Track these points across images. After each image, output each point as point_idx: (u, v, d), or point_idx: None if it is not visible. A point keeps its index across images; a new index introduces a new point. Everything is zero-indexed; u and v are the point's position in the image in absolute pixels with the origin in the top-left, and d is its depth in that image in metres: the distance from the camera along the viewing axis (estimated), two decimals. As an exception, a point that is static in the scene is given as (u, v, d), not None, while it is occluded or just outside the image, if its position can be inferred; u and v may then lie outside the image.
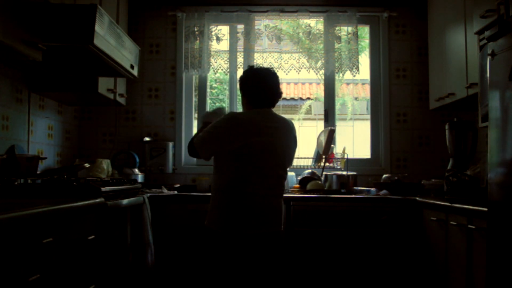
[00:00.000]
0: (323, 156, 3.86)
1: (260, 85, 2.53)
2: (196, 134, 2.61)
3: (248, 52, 4.13)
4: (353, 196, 3.49)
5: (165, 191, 3.60)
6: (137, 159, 3.89)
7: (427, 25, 3.94)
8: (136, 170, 3.81)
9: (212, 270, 2.47)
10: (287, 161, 2.57)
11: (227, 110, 2.91)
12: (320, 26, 4.17)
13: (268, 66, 3.95)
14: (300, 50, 4.17)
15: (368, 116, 4.30)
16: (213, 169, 2.55)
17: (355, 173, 3.86)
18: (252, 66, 2.65)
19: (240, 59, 4.14)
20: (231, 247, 2.40)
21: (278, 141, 2.49)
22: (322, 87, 4.35)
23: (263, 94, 2.53)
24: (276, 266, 2.52)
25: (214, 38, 4.15)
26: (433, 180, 3.51)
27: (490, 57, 2.10)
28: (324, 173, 3.86)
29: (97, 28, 2.55)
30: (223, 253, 2.42)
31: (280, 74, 3.37)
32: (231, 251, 2.41)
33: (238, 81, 2.64)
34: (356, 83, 5.31)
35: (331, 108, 4.22)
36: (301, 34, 4.16)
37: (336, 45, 4.10)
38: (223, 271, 2.44)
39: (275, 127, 2.50)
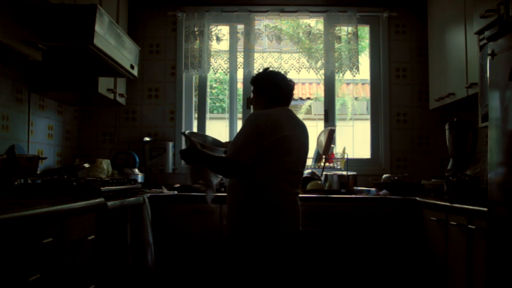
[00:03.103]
0: (323, 156, 3.85)
1: (282, 83, 2.60)
2: (213, 156, 2.54)
3: (248, 52, 4.13)
4: (353, 196, 3.49)
5: (165, 191, 3.59)
6: (137, 159, 3.89)
7: (427, 25, 3.94)
8: (136, 170, 3.80)
9: (239, 270, 2.44)
10: (305, 158, 2.62)
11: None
12: (320, 26, 4.17)
13: (268, 66, 4.02)
14: (300, 50, 4.17)
15: (368, 116, 4.30)
16: None
17: (355, 173, 3.86)
18: (267, 68, 2.74)
19: (240, 59, 4.13)
20: (261, 246, 2.38)
21: (302, 137, 2.56)
22: (322, 87, 4.35)
23: (284, 92, 2.60)
24: (299, 265, 2.54)
25: (214, 38, 4.15)
26: (433, 180, 3.50)
27: (490, 57, 2.10)
28: (324, 173, 3.86)
29: (97, 28, 2.55)
30: (252, 253, 2.39)
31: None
32: (260, 250, 2.38)
33: (253, 82, 2.65)
34: (356, 83, 5.30)
35: (331, 108, 4.22)
36: (301, 34, 4.16)
37: (336, 45, 4.10)
38: (252, 270, 2.40)
39: (297, 123, 2.57)
